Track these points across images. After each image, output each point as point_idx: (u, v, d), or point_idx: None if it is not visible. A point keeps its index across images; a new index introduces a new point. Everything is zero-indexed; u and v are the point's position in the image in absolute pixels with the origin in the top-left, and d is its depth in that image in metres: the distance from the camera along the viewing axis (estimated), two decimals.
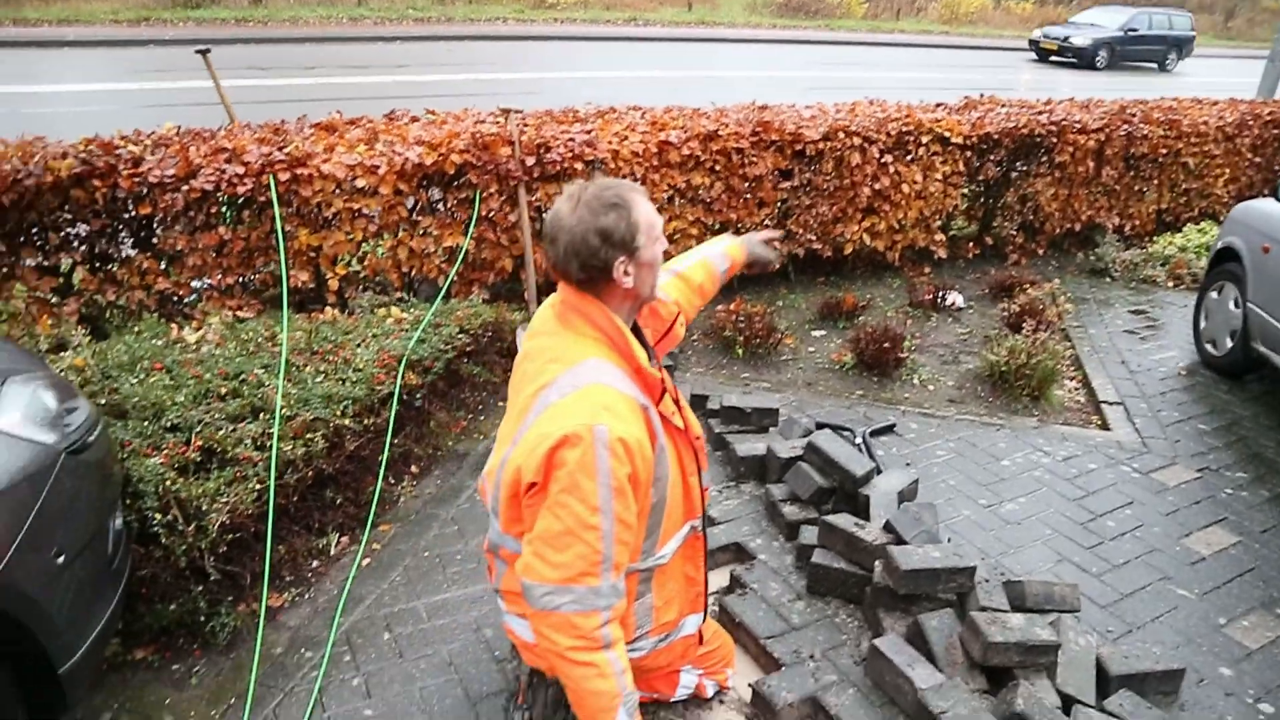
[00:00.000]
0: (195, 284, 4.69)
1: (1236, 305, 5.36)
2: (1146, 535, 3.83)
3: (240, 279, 4.73)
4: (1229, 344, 5.44)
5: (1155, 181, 8.08)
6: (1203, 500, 4.13)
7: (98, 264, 4.56)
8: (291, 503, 3.33)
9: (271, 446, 3.19)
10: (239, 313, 4.52)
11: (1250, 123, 8.49)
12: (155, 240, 4.60)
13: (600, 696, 1.99)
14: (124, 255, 4.60)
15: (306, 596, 3.23)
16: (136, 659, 2.90)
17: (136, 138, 4.85)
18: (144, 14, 19.43)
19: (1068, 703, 2.67)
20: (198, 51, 5.68)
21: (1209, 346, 5.69)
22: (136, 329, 4.09)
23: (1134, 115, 7.72)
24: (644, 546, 2.21)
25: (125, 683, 2.83)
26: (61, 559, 2.26)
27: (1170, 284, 7.27)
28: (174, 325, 4.18)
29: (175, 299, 4.65)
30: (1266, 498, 4.18)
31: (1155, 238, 8.06)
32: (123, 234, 4.62)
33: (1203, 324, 5.82)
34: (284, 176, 4.50)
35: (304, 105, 6.79)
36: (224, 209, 4.61)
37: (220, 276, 4.62)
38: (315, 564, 3.39)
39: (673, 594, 2.41)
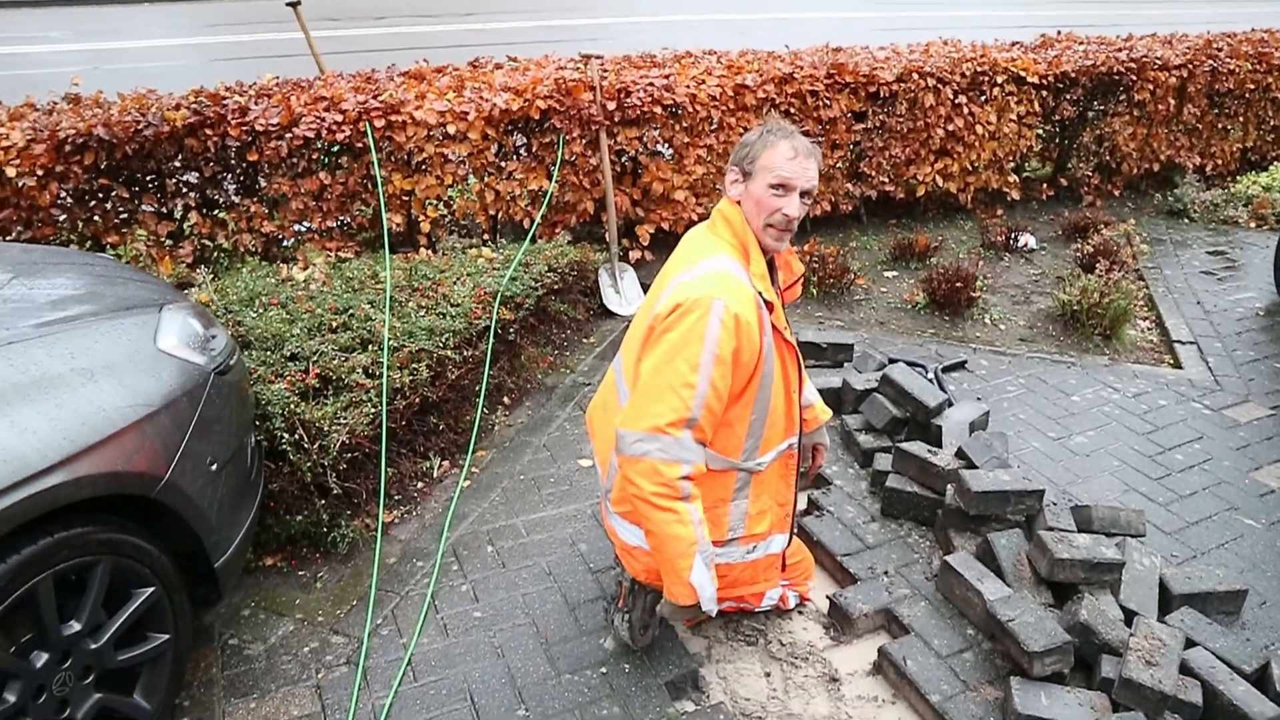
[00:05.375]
0: (297, 227, 4.97)
1: None
2: (1215, 468, 3.91)
3: (339, 222, 5.01)
4: None
5: (1241, 118, 7.88)
6: (1275, 436, 4.18)
7: (207, 209, 4.87)
8: (399, 427, 3.61)
9: (382, 375, 3.46)
10: (339, 253, 4.80)
11: None
12: (260, 186, 4.89)
13: (679, 541, 2.26)
14: (231, 201, 4.90)
15: (414, 514, 3.52)
16: (267, 565, 3.23)
17: (240, 89, 5.13)
18: None
19: (1130, 617, 2.83)
20: (289, 4, 5.91)
21: None
22: (244, 269, 4.38)
23: (1220, 49, 7.52)
24: (746, 446, 2.43)
25: (259, 585, 3.15)
26: (214, 466, 2.54)
27: (1253, 224, 7.14)
28: (281, 266, 4.47)
29: (279, 241, 4.95)
30: None
31: (1239, 177, 7.89)
32: (230, 180, 4.91)
33: None
34: (379, 123, 4.73)
35: (377, 54, 6.99)
36: (323, 155, 4.86)
37: (320, 220, 4.89)
38: (420, 485, 3.67)
39: (766, 506, 2.62)
